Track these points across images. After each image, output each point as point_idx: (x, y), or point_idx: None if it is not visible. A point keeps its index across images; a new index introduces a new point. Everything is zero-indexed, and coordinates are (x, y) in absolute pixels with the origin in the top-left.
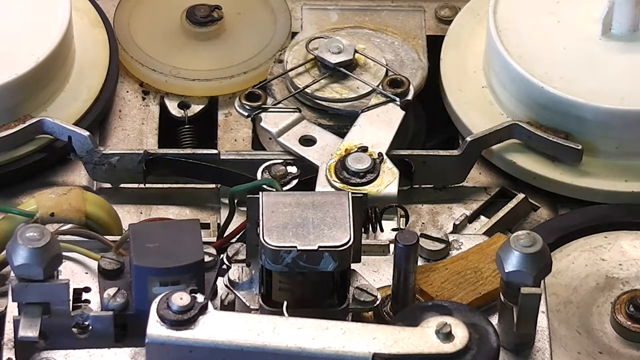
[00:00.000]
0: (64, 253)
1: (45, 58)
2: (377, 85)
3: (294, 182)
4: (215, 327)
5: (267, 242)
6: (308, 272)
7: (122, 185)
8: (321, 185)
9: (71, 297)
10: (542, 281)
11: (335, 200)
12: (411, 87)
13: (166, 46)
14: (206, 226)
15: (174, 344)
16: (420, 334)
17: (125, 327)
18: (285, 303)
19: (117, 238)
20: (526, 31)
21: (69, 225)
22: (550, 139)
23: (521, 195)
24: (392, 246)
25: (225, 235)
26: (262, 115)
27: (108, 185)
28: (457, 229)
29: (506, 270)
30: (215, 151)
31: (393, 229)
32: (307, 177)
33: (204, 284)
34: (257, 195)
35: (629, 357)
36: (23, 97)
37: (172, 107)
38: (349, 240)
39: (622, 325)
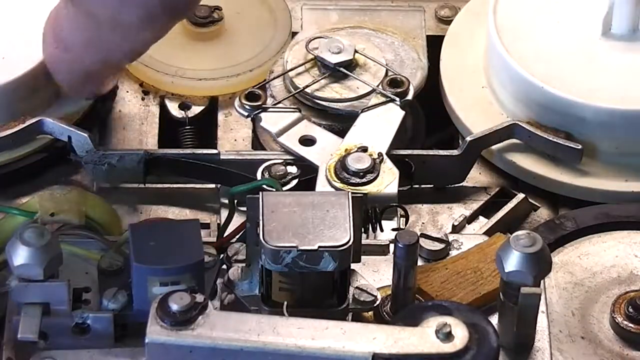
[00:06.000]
0: (64, 253)
1: None
2: (377, 85)
3: (294, 182)
4: (215, 327)
5: (267, 242)
6: (308, 272)
7: (122, 185)
8: (321, 185)
9: (71, 297)
10: (542, 281)
11: (335, 200)
12: (411, 87)
13: (167, 47)
14: (206, 226)
15: (174, 344)
16: (420, 334)
17: (125, 327)
18: (285, 303)
19: (117, 238)
20: (526, 31)
21: (69, 226)
22: (550, 139)
23: (521, 195)
24: (392, 246)
25: (225, 235)
26: (262, 115)
27: (108, 185)
28: (457, 229)
29: (506, 270)
30: (215, 151)
31: (393, 229)
32: (307, 177)
33: (204, 284)
34: (257, 195)
35: (609, 350)
36: (23, 97)
37: (173, 108)
38: (349, 240)
39: (619, 324)
